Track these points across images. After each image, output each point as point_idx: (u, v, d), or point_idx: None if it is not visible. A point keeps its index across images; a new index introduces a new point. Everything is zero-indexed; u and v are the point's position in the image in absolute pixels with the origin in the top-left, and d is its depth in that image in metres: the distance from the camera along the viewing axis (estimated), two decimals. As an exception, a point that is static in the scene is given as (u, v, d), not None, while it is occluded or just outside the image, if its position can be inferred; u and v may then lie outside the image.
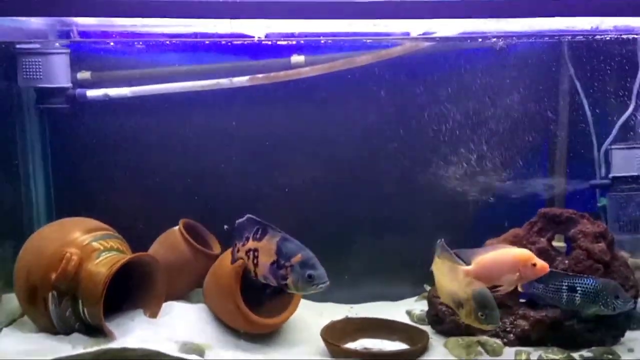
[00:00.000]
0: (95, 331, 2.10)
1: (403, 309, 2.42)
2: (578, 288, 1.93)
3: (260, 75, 2.26)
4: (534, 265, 1.80)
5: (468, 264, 1.85)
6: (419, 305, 2.42)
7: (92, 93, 2.33)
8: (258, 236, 1.92)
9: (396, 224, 2.53)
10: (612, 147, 2.19)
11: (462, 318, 1.85)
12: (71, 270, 2.07)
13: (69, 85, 2.32)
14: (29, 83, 2.28)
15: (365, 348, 2.15)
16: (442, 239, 1.89)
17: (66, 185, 2.53)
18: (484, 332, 2.10)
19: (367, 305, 2.52)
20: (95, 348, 1.96)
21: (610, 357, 2.03)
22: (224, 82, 2.27)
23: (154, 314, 2.21)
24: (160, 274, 2.22)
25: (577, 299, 1.93)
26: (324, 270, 1.86)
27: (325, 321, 2.34)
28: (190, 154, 2.51)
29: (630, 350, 2.07)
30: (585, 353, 2.05)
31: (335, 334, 2.17)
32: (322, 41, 2.23)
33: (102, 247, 2.17)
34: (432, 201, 2.46)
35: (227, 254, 2.26)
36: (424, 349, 2.08)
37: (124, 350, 1.99)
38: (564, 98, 2.27)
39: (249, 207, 2.52)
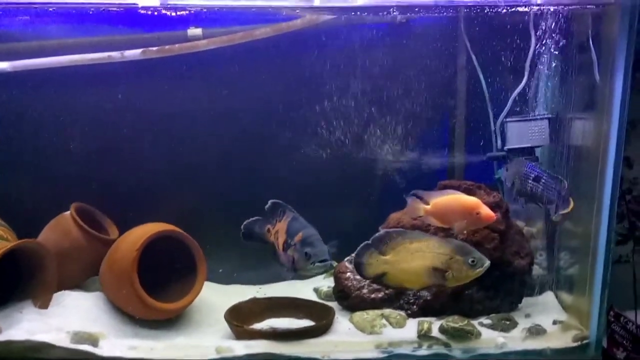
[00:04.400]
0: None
1: (311, 287, 2.40)
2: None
3: (154, 49, 2.14)
4: (478, 214, 1.88)
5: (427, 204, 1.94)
6: (326, 282, 2.41)
7: (-34, 68, 2.13)
8: (280, 218, 2.00)
9: (301, 201, 2.48)
10: (507, 120, 2.25)
11: (450, 282, 1.85)
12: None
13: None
14: None
15: (272, 328, 2.11)
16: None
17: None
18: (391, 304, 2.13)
19: (276, 285, 2.47)
20: (-24, 343, 1.82)
21: (508, 322, 2.09)
22: (115, 55, 2.13)
23: (44, 305, 2.06)
24: (50, 261, 2.08)
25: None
26: (324, 248, 1.86)
27: (229, 302, 2.28)
28: (82, 133, 2.35)
29: (527, 315, 2.15)
30: (485, 320, 2.11)
31: (240, 315, 2.11)
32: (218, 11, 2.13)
33: (-15, 236, 2.01)
34: (337, 176, 2.44)
35: (123, 239, 2.16)
36: (329, 325, 2.06)
37: (10, 343, 1.85)
38: (462, 72, 2.31)
39: (147, 187, 2.45)
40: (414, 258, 1.84)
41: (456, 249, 1.82)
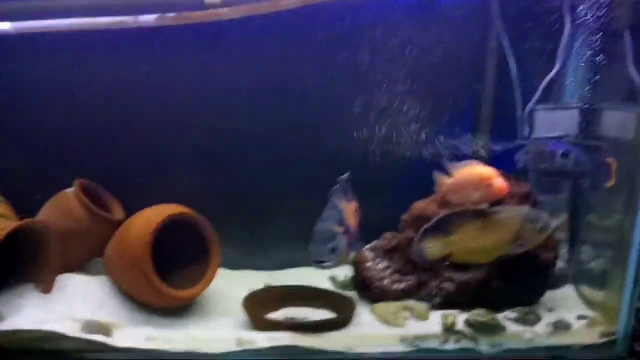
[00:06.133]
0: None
1: (325, 275, 2.30)
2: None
3: (170, 15, 1.98)
4: (489, 185, 1.82)
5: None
6: (342, 271, 2.31)
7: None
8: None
9: (314, 187, 2.37)
10: (536, 108, 2.18)
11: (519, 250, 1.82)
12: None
13: None
14: None
15: (289, 318, 2.02)
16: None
17: None
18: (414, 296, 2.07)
19: (287, 272, 2.37)
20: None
21: (532, 316, 2.05)
22: (128, 20, 1.96)
23: (47, 289, 1.92)
24: (53, 243, 1.93)
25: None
26: (321, 248, 1.85)
27: (243, 291, 2.17)
28: (84, 106, 2.18)
29: (551, 310, 2.10)
30: (509, 314, 2.05)
31: (256, 304, 2.01)
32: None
33: (-17, 214, 1.84)
34: (352, 163, 2.32)
35: (134, 220, 2.01)
36: (352, 317, 1.98)
37: (17, 332, 1.71)
38: (491, 56, 2.21)
39: (153, 164, 2.29)
40: (483, 235, 1.82)
41: (525, 218, 1.80)
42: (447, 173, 1.92)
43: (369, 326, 1.97)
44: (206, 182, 2.32)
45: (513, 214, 1.82)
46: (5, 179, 2.15)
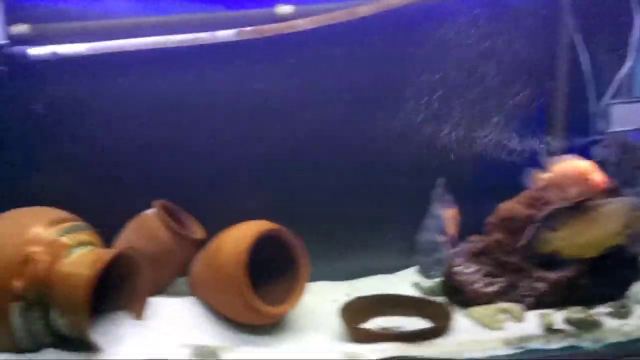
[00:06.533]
0: (71, 344, 1.72)
1: (404, 282, 2.27)
2: None
3: (249, 29, 1.94)
4: (587, 179, 1.83)
5: None
6: (422, 277, 2.30)
7: (35, 51, 1.86)
8: None
9: (382, 190, 2.35)
10: (612, 102, 2.18)
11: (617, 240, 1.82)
12: (41, 275, 1.67)
13: (5, 41, 1.83)
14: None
15: (384, 328, 1.99)
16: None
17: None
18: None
19: (364, 281, 2.34)
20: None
21: (624, 310, 2.04)
22: (204, 36, 1.91)
23: (139, 316, 1.86)
24: (144, 268, 1.87)
25: None
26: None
27: (326, 302, 2.14)
28: (155, 124, 2.13)
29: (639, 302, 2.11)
30: (602, 308, 2.05)
31: (351, 314, 1.98)
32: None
33: (72, 243, 1.77)
34: (425, 162, 2.30)
35: (224, 239, 1.96)
36: (450, 323, 1.95)
37: (125, 365, 1.65)
38: (564, 51, 2.21)
39: (227, 181, 2.25)
40: (590, 228, 1.81)
41: (632, 207, 1.80)
42: (541, 169, 1.90)
43: (468, 331, 1.94)
44: (276, 191, 2.28)
45: (619, 204, 1.82)
46: (73, 205, 2.08)
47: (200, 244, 2.07)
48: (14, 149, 2.02)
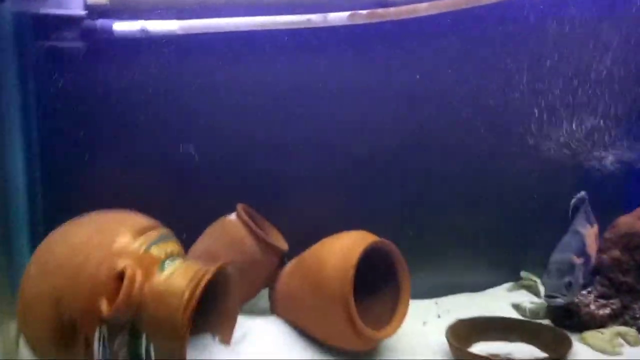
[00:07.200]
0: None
1: (499, 301, 2.07)
2: None
3: (363, 12, 1.68)
4: None
5: None
6: (517, 296, 2.09)
7: (121, 26, 1.56)
8: None
9: (476, 200, 2.13)
10: None
11: None
12: (136, 294, 1.40)
13: (83, 12, 1.53)
14: (24, 6, 1.46)
15: (494, 354, 1.78)
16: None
17: (64, 166, 1.75)
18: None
19: (452, 299, 2.12)
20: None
21: None
22: (316, 18, 1.65)
23: (227, 340, 1.62)
24: (234, 286, 1.61)
25: None
26: (556, 282, 1.68)
27: (417, 322, 1.93)
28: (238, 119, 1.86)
29: None
30: None
31: (458, 338, 1.77)
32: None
33: (162, 255, 1.50)
34: (527, 171, 2.10)
35: (325, 252, 1.72)
36: (569, 352, 1.76)
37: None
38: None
39: (316, 186, 2.00)
40: None
41: None
42: None
43: (586, 357, 1.77)
44: (357, 194, 2.05)
45: None
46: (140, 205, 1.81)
47: (284, 256, 1.83)
48: (89, 141, 1.73)
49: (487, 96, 1.96)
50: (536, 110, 1.96)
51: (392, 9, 1.68)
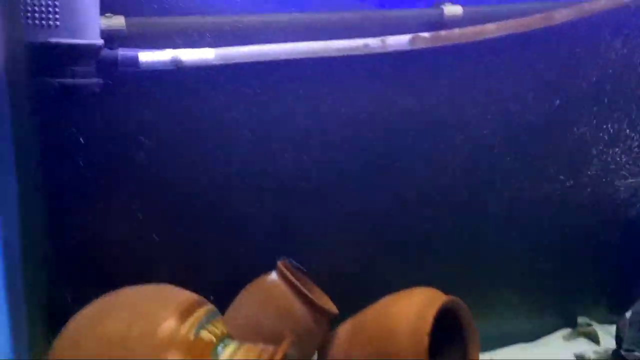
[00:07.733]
0: None
1: (560, 353, 1.86)
2: None
3: (426, 35, 1.44)
4: None
5: None
6: (576, 345, 1.90)
7: (148, 57, 1.26)
8: None
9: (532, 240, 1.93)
10: None
11: None
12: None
13: (100, 41, 1.23)
14: (36, 35, 1.14)
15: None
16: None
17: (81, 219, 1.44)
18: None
19: (508, 351, 1.89)
20: None
21: None
22: (373, 44, 1.40)
23: None
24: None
25: None
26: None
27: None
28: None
29: None
30: None
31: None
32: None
33: (215, 339, 1.21)
34: (583, 209, 1.92)
35: (391, 313, 1.47)
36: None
37: None
38: None
39: (354, 230, 1.74)
40: None
41: None
42: None
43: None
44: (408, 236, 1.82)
45: None
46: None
47: (333, 320, 1.57)
48: (105, 193, 1.41)
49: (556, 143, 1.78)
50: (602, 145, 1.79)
51: (456, 31, 1.46)
